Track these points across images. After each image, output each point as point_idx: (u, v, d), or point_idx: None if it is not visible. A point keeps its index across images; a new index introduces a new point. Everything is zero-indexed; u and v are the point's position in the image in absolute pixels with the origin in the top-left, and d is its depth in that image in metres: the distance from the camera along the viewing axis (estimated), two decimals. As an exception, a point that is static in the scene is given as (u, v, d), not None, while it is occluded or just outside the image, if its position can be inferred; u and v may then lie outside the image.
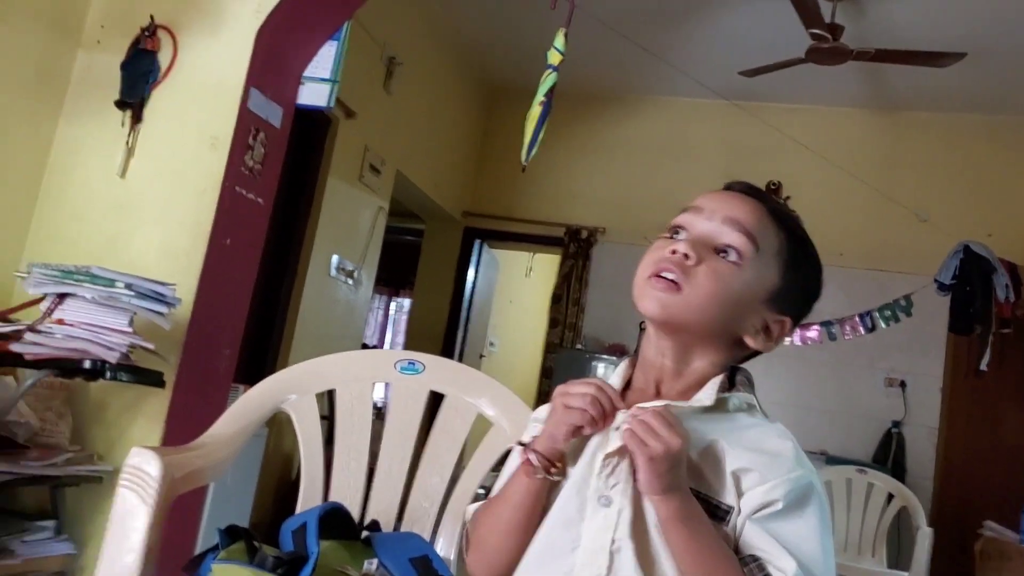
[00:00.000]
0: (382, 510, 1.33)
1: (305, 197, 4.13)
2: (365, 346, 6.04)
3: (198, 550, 1.80)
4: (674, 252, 0.92)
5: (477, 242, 6.11)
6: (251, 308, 2.60)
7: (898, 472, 4.74)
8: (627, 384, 0.99)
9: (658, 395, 0.94)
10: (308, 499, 1.32)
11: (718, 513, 0.86)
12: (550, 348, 5.75)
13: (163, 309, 2.03)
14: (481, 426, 1.37)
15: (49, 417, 2.12)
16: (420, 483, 1.35)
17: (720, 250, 0.93)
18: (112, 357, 1.93)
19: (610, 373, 1.02)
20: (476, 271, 6.14)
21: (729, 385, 0.94)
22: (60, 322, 1.93)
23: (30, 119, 2.38)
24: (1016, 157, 5.16)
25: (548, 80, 2.69)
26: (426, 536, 1.29)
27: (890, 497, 3.44)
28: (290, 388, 1.38)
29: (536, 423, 1.02)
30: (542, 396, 5.58)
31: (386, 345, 8.61)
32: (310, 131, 4.03)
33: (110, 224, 2.38)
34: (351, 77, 3.19)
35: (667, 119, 5.80)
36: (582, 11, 2.90)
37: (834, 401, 5.19)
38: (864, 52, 3.97)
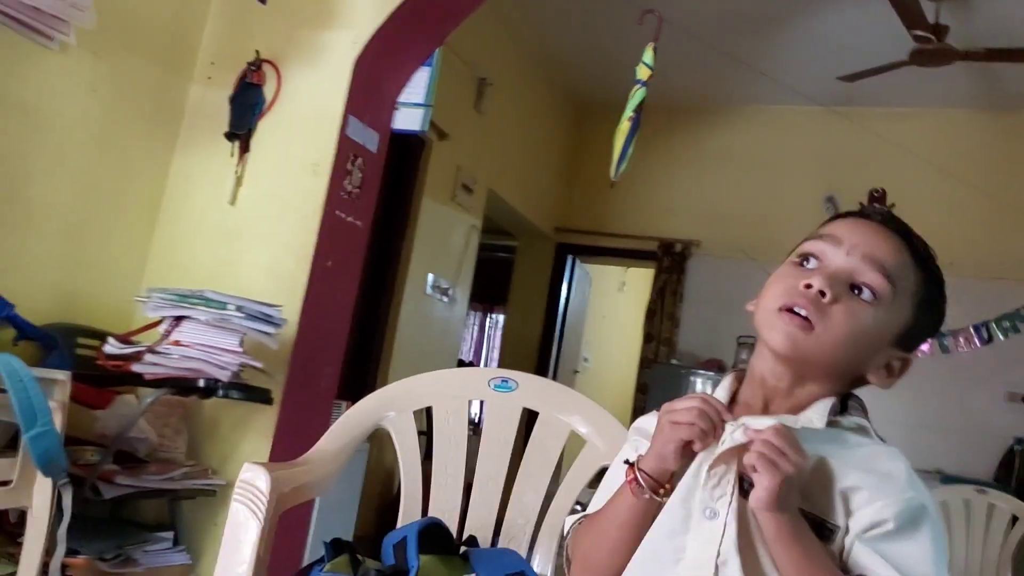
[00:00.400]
0: (479, 526, 1.35)
1: (401, 218, 4.24)
2: (461, 362, 6.12)
3: (305, 563, 1.86)
4: (808, 286, 0.89)
5: (569, 257, 6.11)
6: (352, 327, 2.69)
7: (1022, 492, 4.45)
8: (731, 397, 0.97)
9: (766, 411, 0.92)
10: (408, 514, 1.36)
11: (823, 532, 0.84)
12: (645, 363, 5.68)
13: (271, 329, 2.12)
14: (576, 443, 1.38)
15: (167, 433, 2.24)
16: (516, 500, 1.36)
17: (855, 286, 0.90)
18: (224, 376, 2.03)
19: (707, 388, 1.00)
20: (569, 286, 6.14)
21: (841, 409, 0.92)
22: (177, 343, 2.05)
23: (148, 152, 2.54)
24: None
25: (637, 95, 2.68)
26: (522, 553, 1.30)
27: (1014, 519, 3.24)
28: (389, 406, 1.42)
29: (638, 435, 1.02)
30: (637, 412, 5.51)
31: (482, 361, 8.69)
32: (405, 154, 4.14)
33: (221, 249, 2.50)
34: (443, 100, 3.26)
35: (762, 128, 5.67)
36: (671, 24, 2.88)
37: (950, 417, 4.92)
38: (974, 52, 3.79)
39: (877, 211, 0.97)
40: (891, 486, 0.85)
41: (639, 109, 2.67)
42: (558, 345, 6.01)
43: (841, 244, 0.92)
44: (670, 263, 5.66)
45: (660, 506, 0.91)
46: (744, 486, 0.85)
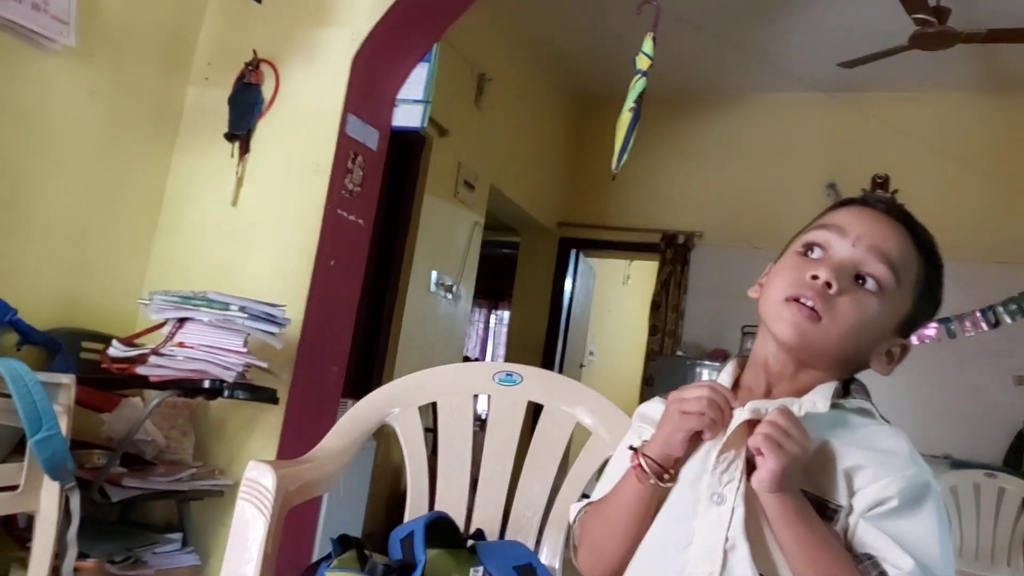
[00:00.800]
0: (486, 519, 1.35)
1: (403, 216, 4.24)
2: (467, 359, 6.13)
3: (314, 559, 1.86)
4: (815, 277, 0.89)
5: (573, 252, 6.11)
6: (356, 325, 2.69)
7: (1032, 476, 4.44)
8: (735, 382, 0.98)
9: (768, 396, 0.92)
10: (415, 508, 1.36)
11: (826, 512, 0.85)
12: (650, 356, 5.68)
13: (275, 329, 2.12)
14: (582, 435, 1.37)
15: (174, 435, 2.25)
16: (522, 492, 1.36)
17: (859, 276, 0.91)
18: (229, 376, 2.03)
19: (713, 378, 1.00)
20: (573, 281, 6.13)
21: (844, 393, 0.93)
22: (181, 345, 2.05)
23: (148, 154, 2.54)
24: None
25: (637, 86, 2.66)
26: (530, 545, 1.30)
27: (1024, 503, 3.23)
28: (393, 402, 1.42)
29: (641, 421, 1.02)
30: (645, 404, 5.51)
31: (487, 358, 8.70)
32: (406, 151, 4.14)
33: (223, 250, 2.50)
34: (442, 96, 3.26)
35: (763, 117, 5.65)
36: (670, 14, 2.86)
37: (958, 402, 4.91)
38: (975, 34, 3.77)
39: (880, 199, 0.97)
40: (894, 463, 0.85)
41: (640, 100, 2.66)
42: (563, 340, 6.01)
43: (847, 234, 0.92)
44: (673, 255, 5.66)
45: (665, 492, 0.91)
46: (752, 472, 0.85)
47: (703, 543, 0.86)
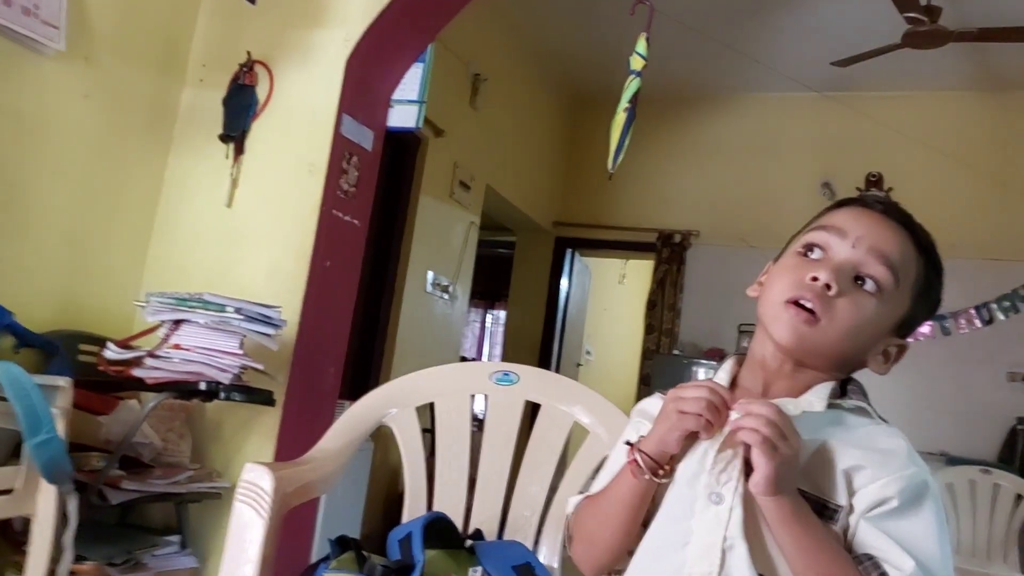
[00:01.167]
0: (485, 519, 1.35)
1: (399, 216, 4.23)
2: (464, 359, 6.13)
3: (312, 561, 1.86)
4: (814, 279, 0.89)
5: (569, 251, 6.11)
6: (353, 326, 2.69)
7: (1027, 472, 4.45)
8: (732, 380, 0.98)
9: (766, 395, 0.93)
10: (413, 509, 1.36)
11: (826, 512, 0.85)
12: (647, 355, 5.68)
13: (271, 331, 2.12)
14: (579, 435, 1.38)
15: (171, 437, 2.24)
16: (520, 492, 1.36)
17: (859, 277, 0.91)
18: (225, 378, 2.03)
19: (710, 377, 1.01)
20: (569, 280, 6.14)
21: (840, 393, 0.93)
22: (177, 347, 2.04)
23: (143, 156, 2.53)
24: None
25: (632, 86, 2.67)
26: (528, 544, 1.30)
27: (1019, 498, 3.24)
28: (390, 402, 1.42)
29: (640, 416, 1.02)
30: (641, 403, 5.51)
31: (484, 358, 8.70)
32: (401, 152, 4.14)
33: (219, 252, 2.50)
34: (438, 96, 3.26)
35: (757, 116, 5.66)
36: (663, 14, 2.87)
37: (953, 399, 4.92)
38: (966, 32, 3.78)
39: (879, 199, 0.97)
40: (893, 462, 0.86)
41: (634, 99, 2.66)
42: (560, 339, 6.01)
43: (846, 236, 0.92)
44: (669, 254, 5.66)
45: (660, 487, 0.91)
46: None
47: (701, 542, 0.86)
